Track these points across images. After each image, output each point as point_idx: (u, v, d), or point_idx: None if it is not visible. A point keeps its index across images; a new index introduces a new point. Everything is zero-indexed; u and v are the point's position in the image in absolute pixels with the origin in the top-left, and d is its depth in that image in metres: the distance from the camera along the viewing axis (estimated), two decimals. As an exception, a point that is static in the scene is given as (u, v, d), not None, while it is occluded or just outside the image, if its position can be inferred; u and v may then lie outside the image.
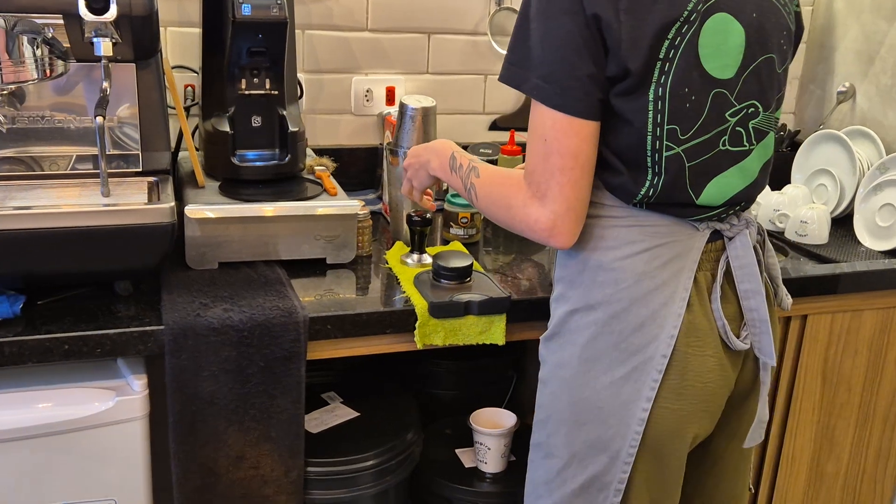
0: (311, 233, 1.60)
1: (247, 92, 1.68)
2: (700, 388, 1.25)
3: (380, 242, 1.78)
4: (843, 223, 2.06)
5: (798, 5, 1.30)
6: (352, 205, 1.61)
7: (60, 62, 1.40)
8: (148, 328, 1.34)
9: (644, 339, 1.22)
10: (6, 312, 1.33)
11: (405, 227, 1.67)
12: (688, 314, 1.22)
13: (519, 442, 1.74)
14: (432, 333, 1.48)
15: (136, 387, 1.35)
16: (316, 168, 1.77)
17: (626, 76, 1.15)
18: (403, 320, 1.48)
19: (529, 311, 1.52)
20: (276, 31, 1.61)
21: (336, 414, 1.72)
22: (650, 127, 1.17)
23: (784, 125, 2.38)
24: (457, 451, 1.82)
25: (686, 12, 1.14)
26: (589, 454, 1.27)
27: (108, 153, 1.48)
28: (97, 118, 1.34)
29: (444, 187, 1.84)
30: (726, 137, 1.21)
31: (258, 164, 1.68)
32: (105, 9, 1.34)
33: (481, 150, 2.02)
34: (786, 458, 1.90)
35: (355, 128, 2.10)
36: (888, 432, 1.96)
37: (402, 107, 1.69)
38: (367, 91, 2.08)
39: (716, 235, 1.26)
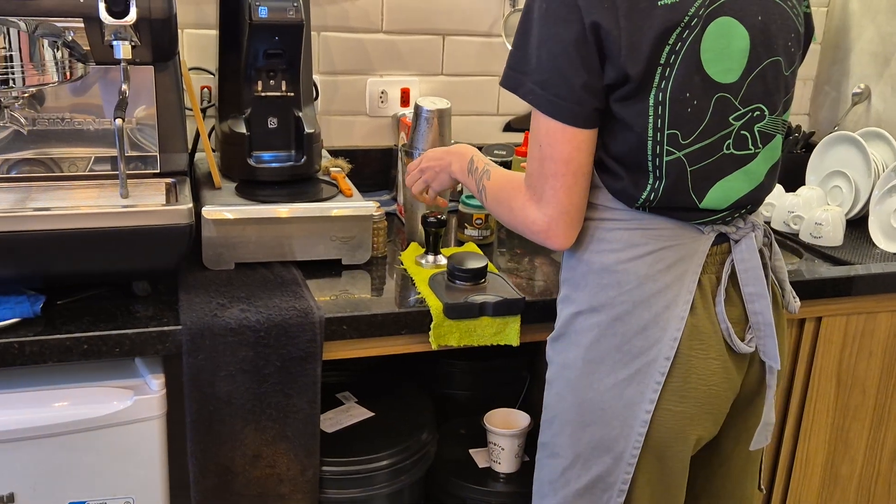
0: (327, 234, 1.61)
1: (263, 93, 1.69)
2: (703, 390, 1.25)
3: (395, 243, 1.79)
4: (857, 225, 2.05)
5: (808, 6, 1.30)
6: (367, 206, 1.62)
7: (80, 65, 1.41)
8: (166, 328, 1.35)
9: (647, 342, 1.22)
10: (27, 312, 1.34)
11: (420, 228, 1.67)
12: (691, 317, 1.22)
13: (532, 442, 1.73)
14: (447, 334, 1.48)
15: (154, 386, 1.37)
16: (331, 169, 1.78)
17: (626, 82, 1.15)
18: (418, 321, 1.48)
19: (544, 312, 1.52)
20: (292, 34, 1.62)
21: (351, 414, 1.73)
22: (650, 132, 1.18)
23: (798, 127, 2.37)
24: (471, 451, 1.83)
25: (687, 17, 1.13)
26: (593, 455, 1.28)
27: (126, 154, 1.49)
28: (116, 120, 1.35)
29: (459, 188, 1.85)
30: (730, 141, 1.21)
31: (274, 165, 1.69)
32: (125, 12, 1.36)
33: (495, 152, 2.03)
34: (800, 460, 1.89)
35: (370, 129, 2.11)
36: (903, 435, 1.96)
37: (417, 109, 1.70)
38: (382, 92, 2.09)
39: (721, 238, 1.27)
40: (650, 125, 1.17)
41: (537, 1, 1.17)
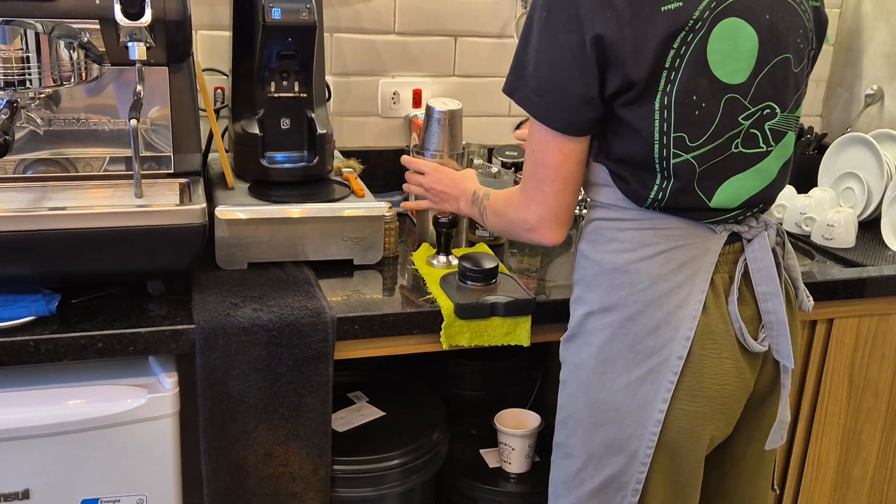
0: (339, 234, 1.61)
1: (276, 94, 1.70)
2: (716, 389, 1.25)
3: (406, 244, 1.80)
4: (870, 227, 2.05)
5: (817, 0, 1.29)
6: (379, 206, 1.63)
7: (96, 66, 1.42)
8: (179, 327, 1.36)
9: (659, 342, 1.23)
10: (42, 311, 1.35)
11: (431, 228, 1.68)
12: (703, 316, 1.23)
13: (543, 443, 1.74)
14: (458, 334, 1.49)
15: (167, 384, 1.38)
16: (343, 170, 1.79)
17: (630, 87, 1.16)
18: (429, 321, 1.49)
19: (554, 312, 1.52)
20: (305, 35, 1.63)
21: (362, 413, 1.74)
22: (657, 135, 1.18)
23: (811, 128, 2.37)
24: (481, 451, 1.83)
25: (692, 21, 1.13)
26: (606, 455, 1.28)
27: (140, 155, 1.50)
28: (131, 121, 1.36)
29: None
30: (739, 140, 1.21)
31: (287, 165, 1.70)
32: (140, 14, 1.37)
33: (507, 153, 2.03)
34: (811, 462, 1.89)
35: (382, 130, 2.12)
36: (915, 437, 1.95)
37: (429, 110, 1.70)
38: (394, 93, 2.09)
39: (734, 238, 1.27)
40: (656, 128, 1.18)
41: (539, 8, 1.17)
